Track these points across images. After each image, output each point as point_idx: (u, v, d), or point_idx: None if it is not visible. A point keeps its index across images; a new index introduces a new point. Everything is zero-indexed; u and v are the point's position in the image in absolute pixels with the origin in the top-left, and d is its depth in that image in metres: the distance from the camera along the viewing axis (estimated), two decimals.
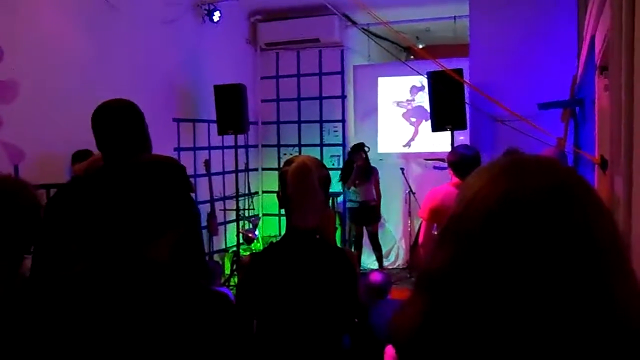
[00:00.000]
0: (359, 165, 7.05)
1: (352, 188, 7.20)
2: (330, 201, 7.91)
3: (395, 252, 7.98)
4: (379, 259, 7.38)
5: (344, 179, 7.30)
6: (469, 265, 0.74)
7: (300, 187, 2.08)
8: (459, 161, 3.87)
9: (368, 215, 7.20)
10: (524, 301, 0.71)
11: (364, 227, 7.33)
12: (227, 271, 7.06)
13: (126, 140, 2.19)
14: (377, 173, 7.27)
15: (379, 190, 7.26)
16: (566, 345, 0.70)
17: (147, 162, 1.52)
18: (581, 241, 0.72)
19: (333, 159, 8.26)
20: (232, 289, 6.00)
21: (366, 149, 7.25)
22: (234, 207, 7.26)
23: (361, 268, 7.18)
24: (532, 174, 0.77)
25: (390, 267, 7.64)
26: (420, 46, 9.04)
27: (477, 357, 0.73)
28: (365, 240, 7.54)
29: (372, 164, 7.31)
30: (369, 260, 7.79)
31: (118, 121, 2.21)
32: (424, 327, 0.77)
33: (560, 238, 0.71)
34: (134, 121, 2.24)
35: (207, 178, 6.94)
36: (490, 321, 0.72)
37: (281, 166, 2.20)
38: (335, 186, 7.81)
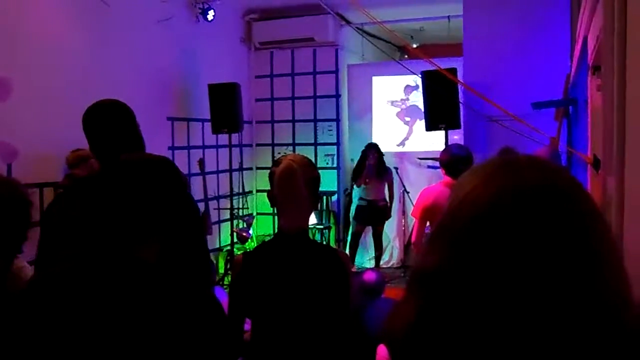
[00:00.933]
0: (370, 164, 7.06)
1: (363, 186, 7.19)
2: (325, 200, 7.93)
3: (390, 251, 7.98)
4: (378, 258, 7.39)
5: (355, 176, 7.32)
6: (461, 265, 0.74)
7: (286, 188, 2.08)
8: (451, 160, 3.88)
9: (375, 214, 7.21)
10: (516, 301, 0.71)
11: (371, 226, 7.33)
12: (221, 270, 7.06)
13: (119, 141, 2.19)
14: (391, 174, 7.29)
15: (392, 191, 7.27)
16: (558, 345, 0.70)
17: (139, 160, 1.52)
18: (573, 241, 0.72)
19: (327, 158, 8.26)
20: (226, 288, 6.00)
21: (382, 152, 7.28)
22: (228, 206, 7.25)
23: (356, 267, 7.20)
24: (524, 174, 0.77)
25: (384, 266, 7.65)
26: (415, 45, 9.07)
27: (471, 357, 0.73)
28: (363, 239, 7.55)
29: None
30: (363, 259, 7.80)
31: (110, 121, 2.21)
32: (417, 327, 0.77)
33: (552, 238, 0.71)
34: (125, 121, 2.24)
35: (201, 177, 6.92)
36: (483, 321, 0.72)
37: (271, 167, 2.20)
38: (329, 185, 7.83)
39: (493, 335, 0.71)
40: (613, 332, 0.70)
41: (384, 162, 7.24)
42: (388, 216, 7.34)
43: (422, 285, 0.79)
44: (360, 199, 7.30)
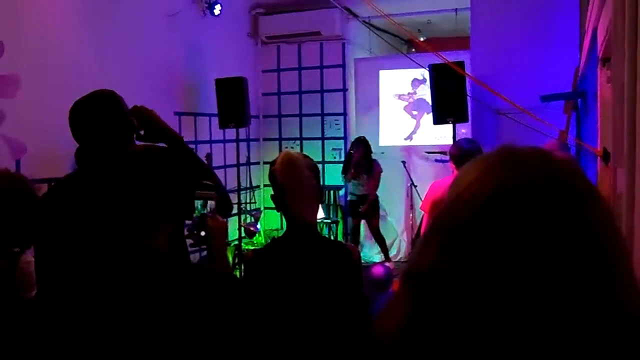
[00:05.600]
0: (357, 158, 7.09)
1: (353, 181, 7.23)
2: (332, 194, 7.93)
3: (397, 245, 7.98)
4: (385, 251, 7.41)
5: (344, 171, 7.34)
6: (456, 265, 0.69)
7: (291, 176, 2.06)
8: (462, 154, 3.86)
9: (367, 209, 7.21)
10: (514, 301, 0.66)
11: (365, 221, 7.35)
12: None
13: (99, 130, 2.09)
14: (378, 166, 7.27)
15: (377, 183, 7.27)
16: (559, 346, 0.65)
17: (140, 151, 1.51)
18: (577, 237, 0.67)
19: (334, 153, 8.26)
20: None
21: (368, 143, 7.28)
22: (236, 201, 7.26)
23: (362, 262, 7.20)
24: (527, 166, 0.72)
25: (392, 260, 7.65)
26: (422, 39, 9.02)
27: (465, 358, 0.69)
28: (368, 233, 7.56)
29: (374, 157, 7.33)
30: (370, 253, 7.80)
31: (88, 114, 2.11)
32: (408, 330, 0.72)
33: (555, 234, 0.66)
34: (104, 111, 2.12)
35: None
36: (478, 325, 0.67)
37: (269, 168, 2.17)
38: (336, 179, 7.83)
39: (488, 339, 0.67)
40: (618, 336, 0.65)
41: (370, 157, 7.25)
42: (377, 211, 7.35)
43: (414, 286, 0.75)
44: (351, 194, 7.37)
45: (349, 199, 7.42)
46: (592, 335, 0.65)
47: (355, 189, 7.27)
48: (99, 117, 2.11)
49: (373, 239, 7.64)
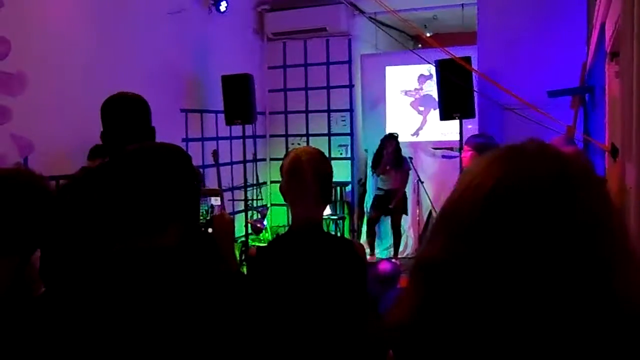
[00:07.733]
0: (389, 152, 7.13)
1: (382, 176, 7.28)
2: (338, 190, 7.92)
3: (405, 241, 7.96)
4: (396, 246, 7.41)
5: (374, 165, 7.37)
6: (463, 253, 0.71)
7: (293, 183, 2.06)
8: (486, 146, 3.81)
9: (396, 204, 7.24)
10: (517, 293, 0.67)
11: (389, 216, 7.36)
12: None
13: (135, 132, 2.19)
14: (408, 164, 7.30)
15: (405, 180, 7.30)
16: (563, 338, 0.66)
17: (151, 147, 1.51)
18: (580, 233, 0.68)
19: (341, 149, 8.25)
20: None
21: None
22: (242, 198, 7.26)
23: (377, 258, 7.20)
24: (531, 161, 0.73)
25: (399, 256, 7.64)
26: (428, 34, 9.00)
27: (472, 350, 0.70)
28: (377, 228, 7.56)
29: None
30: (378, 249, 7.80)
31: (127, 114, 2.21)
32: (420, 316, 0.74)
33: (557, 229, 0.68)
34: (142, 116, 2.24)
35: (215, 168, 6.94)
36: (483, 312, 0.69)
37: (281, 162, 2.17)
38: (343, 176, 7.81)
39: (494, 327, 0.68)
40: (621, 328, 0.66)
41: (400, 153, 7.25)
42: (405, 209, 7.36)
43: (425, 276, 0.77)
44: (379, 188, 7.38)
45: (376, 193, 7.46)
46: (591, 326, 0.66)
47: (383, 184, 7.30)
48: (133, 118, 2.22)
49: (381, 235, 7.64)
